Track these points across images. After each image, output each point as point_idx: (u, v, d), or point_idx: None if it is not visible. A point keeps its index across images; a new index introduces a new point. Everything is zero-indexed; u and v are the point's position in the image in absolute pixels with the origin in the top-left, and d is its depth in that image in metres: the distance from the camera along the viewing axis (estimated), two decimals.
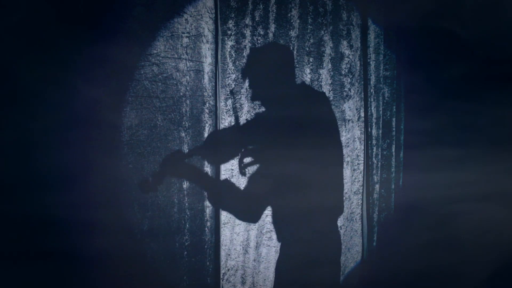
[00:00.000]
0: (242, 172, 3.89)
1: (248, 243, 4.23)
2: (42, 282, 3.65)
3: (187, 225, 3.99)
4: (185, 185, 3.96)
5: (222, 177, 4.06)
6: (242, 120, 4.10)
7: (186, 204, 3.98)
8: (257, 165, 3.94)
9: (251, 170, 3.98)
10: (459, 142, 4.57)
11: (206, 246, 4.05)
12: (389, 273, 4.20)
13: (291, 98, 3.89)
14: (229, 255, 4.17)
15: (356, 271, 4.47)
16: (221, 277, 4.14)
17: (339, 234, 3.86)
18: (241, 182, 4.11)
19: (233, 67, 4.10)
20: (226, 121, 4.09)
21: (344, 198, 4.26)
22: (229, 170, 4.11)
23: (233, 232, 4.17)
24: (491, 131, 4.49)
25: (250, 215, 4.00)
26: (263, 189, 3.85)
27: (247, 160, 3.89)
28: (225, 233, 4.13)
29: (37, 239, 3.61)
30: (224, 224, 4.12)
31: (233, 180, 4.11)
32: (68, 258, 3.70)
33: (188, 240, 3.99)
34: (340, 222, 4.23)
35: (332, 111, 4.05)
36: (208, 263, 4.07)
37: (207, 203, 4.03)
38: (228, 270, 4.18)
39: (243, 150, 3.88)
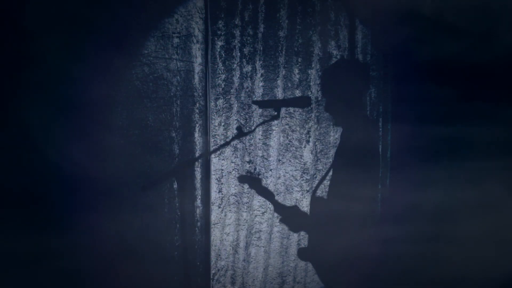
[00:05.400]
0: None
1: (237, 243, 4.23)
2: (35, 281, 3.64)
3: (178, 225, 3.98)
4: (176, 185, 3.95)
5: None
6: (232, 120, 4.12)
7: (177, 205, 3.97)
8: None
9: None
10: (449, 143, 4.59)
11: (196, 247, 4.05)
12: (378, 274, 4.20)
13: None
14: (219, 255, 4.18)
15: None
16: (212, 277, 4.14)
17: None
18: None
19: (223, 67, 4.11)
20: (216, 121, 4.09)
21: None
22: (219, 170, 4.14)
23: (223, 232, 4.18)
24: (484, 133, 4.50)
25: None
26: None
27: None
28: (215, 234, 4.14)
29: (28, 238, 3.60)
30: (214, 224, 4.12)
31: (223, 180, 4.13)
32: (58, 258, 3.69)
33: (179, 240, 3.99)
34: None
35: None
36: (198, 263, 4.07)
37: (197, 203, 4.03)
38: (218, 270, 4.19)
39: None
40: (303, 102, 4.06)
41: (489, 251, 4.27)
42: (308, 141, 4.37)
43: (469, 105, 4.53)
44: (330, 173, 3.76)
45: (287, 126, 4.32)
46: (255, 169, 4.24)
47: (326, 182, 3.86)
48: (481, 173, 4.36)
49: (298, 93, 4.31)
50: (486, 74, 4.49)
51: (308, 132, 4.37)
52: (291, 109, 4.32)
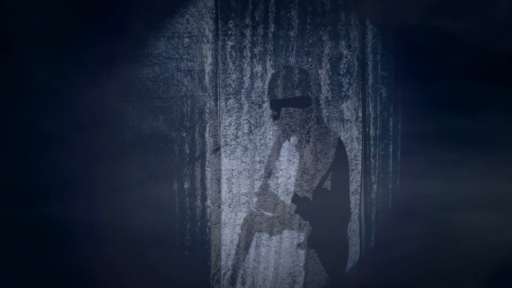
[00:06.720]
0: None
1: (244, 243, 4.24)
2: (44, 282, 3.65)
3: (188, 225, 3.99)
4: (186, 185, 3.96)
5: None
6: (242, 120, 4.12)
7: (187, 204, 3.98)
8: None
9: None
10: (457, 143, 4.57)
11: (207, 246, 4.06)
12: (386, 274, 4.20)
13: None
14: (229, 255, 4.18)
15: (353, 271, 4.49)
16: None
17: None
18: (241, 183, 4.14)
19: (233, 67, 4.11)
20: (227, 121, 4.10)
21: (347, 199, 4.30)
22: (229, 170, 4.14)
23: (234, 232, 4.18)
24: (490, 132, 4.49)
25: None
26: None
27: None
28: (224, 233, 4.14)
29: (39, 240, 3.62)
30: (224, 224, 4.13)
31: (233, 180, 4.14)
32: (68, 258, 3.70)
33: (189, 240, 4.00)
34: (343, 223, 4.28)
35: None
36: (209, 263, 4.07)
37: (207, 202, 4.04)
38: (229, 270, 4.19)
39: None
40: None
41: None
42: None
43: (479, 104, 4.52)
44: (332, 173, 3.77)
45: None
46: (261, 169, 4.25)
47: (328, 182, 3.86)
48: (492, 172, 4.35)
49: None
50: (497, 73, 4.48)
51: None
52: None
